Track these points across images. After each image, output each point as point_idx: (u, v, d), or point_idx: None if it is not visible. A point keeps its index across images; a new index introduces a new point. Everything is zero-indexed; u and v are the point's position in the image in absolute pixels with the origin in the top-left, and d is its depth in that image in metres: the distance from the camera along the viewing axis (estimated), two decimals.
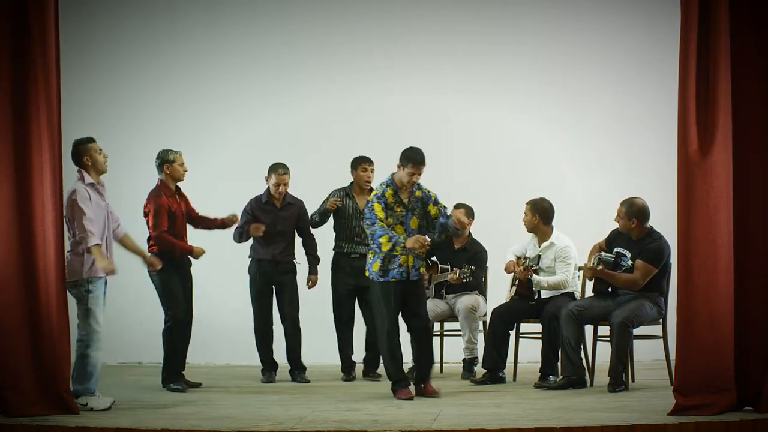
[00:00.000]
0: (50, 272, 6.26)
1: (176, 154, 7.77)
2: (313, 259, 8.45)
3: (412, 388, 7.15)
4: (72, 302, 6.57)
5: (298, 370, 8.31)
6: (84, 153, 6.81)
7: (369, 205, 7.25)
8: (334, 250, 8.47)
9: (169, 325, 7.71)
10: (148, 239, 7.69)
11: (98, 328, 6.67)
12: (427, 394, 7.17)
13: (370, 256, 7.30)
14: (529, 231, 8.06)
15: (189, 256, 7.83)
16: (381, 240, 7.09)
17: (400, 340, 7.25)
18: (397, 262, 7.17)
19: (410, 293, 7.28)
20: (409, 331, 7.40)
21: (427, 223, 7.34)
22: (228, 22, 10.11)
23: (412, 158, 7.16)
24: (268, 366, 8.33)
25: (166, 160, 7.76)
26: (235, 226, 8.25)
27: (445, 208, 7.41)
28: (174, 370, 7.72)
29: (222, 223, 8.10)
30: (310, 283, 8.42)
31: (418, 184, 7.29)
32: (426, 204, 7.32)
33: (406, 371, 7.35)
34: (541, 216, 7.96)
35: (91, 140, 6.88)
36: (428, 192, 7.35)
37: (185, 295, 7.80)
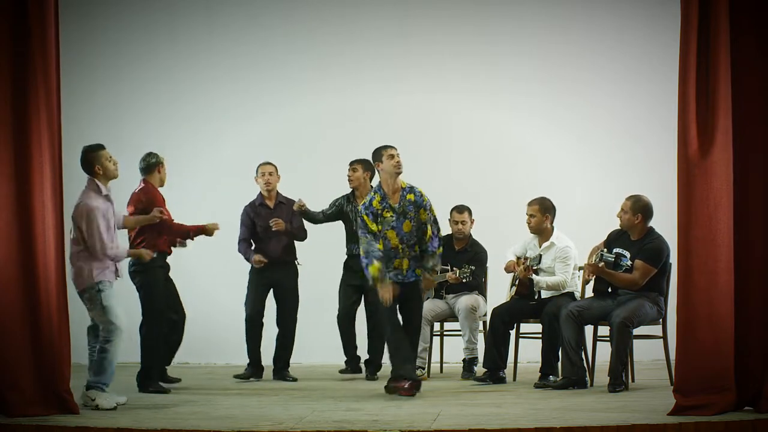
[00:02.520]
0: (50, 272, 6.25)
1: (161, 159, 7.81)
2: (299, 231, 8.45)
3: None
4: (72, 303, 6.57)
5: (285, 370, 8.33)
6: (95, 162, 6.83)
7: (360, 216, 7.29)
8: (346, 254, 8.49)
9: (151, 330, 7.66)
10: (137, 235, 7.68)
11: (119, 322, 6.70)
12: (396, 390, 7.12)
13: None
14: (536, 232, 8.02)
15: (188, 239, 7.85)
16: (371, 268, 7.07)
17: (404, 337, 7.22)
18: (391, 265, 7.19)
19: (406, 298, 7.26)
20: None
21: (418, 228, 7.26)
22: (227, 22, 10.13)
23: (379, 148, 7.21)
24: (255, 365, 8.34)
25: (159, 162, 7.79)
26: (238, 237, 8.28)
27: (434, 220, 7.25)
28: (151, 373, 7.66)
29: (203, 230, 7.84)
30: (274, 222, 8.27)
31: (411, 187, 7.24)
32: (419, 208, 7.24)
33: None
34: (551, 216, 7.96)
35: (101, 147, 6.90)
36: (422, 195, 7.27)
37: (174, 297, 7.80)
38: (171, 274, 7.87)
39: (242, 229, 8.38)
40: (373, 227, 7.16)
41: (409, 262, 7.27)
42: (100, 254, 6.70)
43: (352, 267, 8.40)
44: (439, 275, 8.47)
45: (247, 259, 8.34)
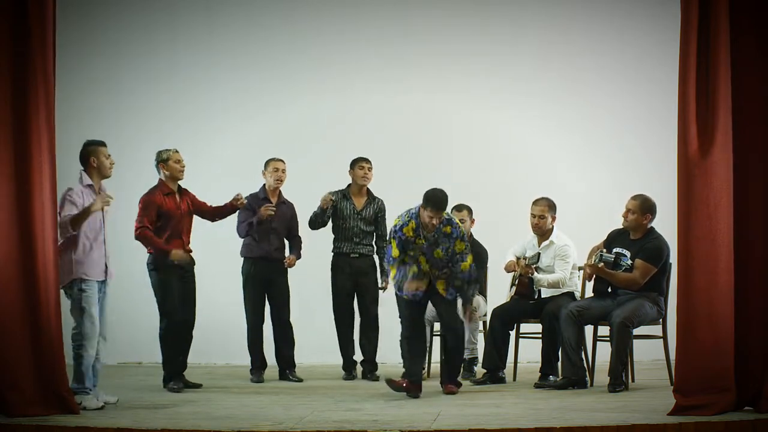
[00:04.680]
0: (50, 272, 6.25)
1: (170, 152, 7.80)
2: (297, 249, 8.43)
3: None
4: (66, 304, 6.57)
5: (289, 369, 8.33)
6: (91, 154, 6.85)
7: (388, 239, 7.27)
8: (333, 252, 8.49)
9: (164, 327, 7.69)
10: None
11: (92, 328, 6.69)
12: (445, 392, 7.26)
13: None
14: (542, 234, 8.01)
15: (185, 257, 7.81)
16: (391, 274, 7.27)
17: (423, 345, 7.38)
18: (405, 285, 7.19)
19: (438, 304, 7.34)
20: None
21: (449, 256, 7.20)
22: (227, 22, 10.12)
23: (431, 200, 7.03)
24: (259, 365, 8.35)
25: (161, 160, 7.79)
26: (237, 221, 8.27)
27: (467, 247, 7.26)
28: (173, 370, 7.71)
29: (232, 207, 8.04)
30: (287, 261, 8.33)
31: (449, 219, 7.18)
32: (455, 239, 7.17)
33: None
34: (555, 214, 7.96)
35: (102, 144, 6.92)
36: (459, 227, 7.22)
37: (185, 297, 7.79)
38: None
39: (244, 213, 8.31)
40: (396, 253, 7.14)
41: (445, 282, 7.23)
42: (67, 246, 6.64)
43: (340, 267, 8.41)
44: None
45: (251, 224, 8.21)
